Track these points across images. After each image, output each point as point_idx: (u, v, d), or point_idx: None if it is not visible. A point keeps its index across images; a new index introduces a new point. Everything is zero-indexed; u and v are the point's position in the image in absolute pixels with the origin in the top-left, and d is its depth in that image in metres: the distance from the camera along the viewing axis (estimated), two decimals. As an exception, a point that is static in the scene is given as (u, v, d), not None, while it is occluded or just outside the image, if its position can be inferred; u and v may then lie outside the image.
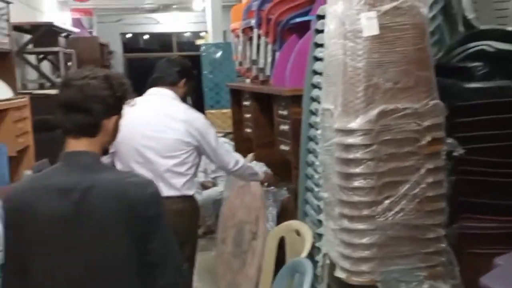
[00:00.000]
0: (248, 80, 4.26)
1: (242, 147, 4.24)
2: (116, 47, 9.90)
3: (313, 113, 2.30)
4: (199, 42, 9.36)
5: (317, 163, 2.24)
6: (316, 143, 2.27)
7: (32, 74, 6.40)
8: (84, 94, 1.33)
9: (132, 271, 1.33)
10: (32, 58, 6.23)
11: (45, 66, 6.62)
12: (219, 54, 8.08)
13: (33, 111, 4.68)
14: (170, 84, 2.43)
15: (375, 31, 1.63)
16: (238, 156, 2.61)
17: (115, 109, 1.39)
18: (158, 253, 1.34)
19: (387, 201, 1.67)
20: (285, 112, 2.63)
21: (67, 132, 1.37)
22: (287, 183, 3.31)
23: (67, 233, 1.32)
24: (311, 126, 2.33)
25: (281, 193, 2.90)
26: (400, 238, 1.70)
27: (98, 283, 1.33)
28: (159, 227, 1.34)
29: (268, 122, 3.33)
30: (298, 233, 2.30)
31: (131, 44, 11.00)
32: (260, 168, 3.00)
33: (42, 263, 1.34)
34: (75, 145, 1.36)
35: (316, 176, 2.23)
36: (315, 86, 2.27)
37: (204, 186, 5.15)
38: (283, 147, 2.70)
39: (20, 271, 1.35)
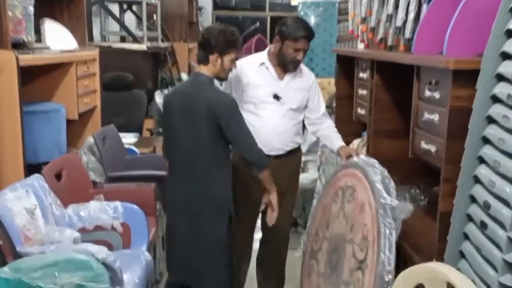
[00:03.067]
0: (360, 46, 3.36)
1: (346, 129, 3.38)
2: (206, 3, 9.26)
3: (499, 99, 1.41)
4: (294, 2, 8.44)
5: (499, 184, 1.37)
6: (500, 150, 1.39)
7: (114, 26, 5.92)
8: (204, 39, 2.20)
9: (213, 146, 2.19)
10: (115, 8, 5.71)
11: (130, 18, 6.10)
12: (318, 14, 7.13)
13: (108, 67, 4.14)
14: None
15: None
16: None
17: (217, 50, 2.16)
18: (232, 138, 2.18)
19: None
20: (436, 94, 1.75)
21: (197, 61, 2.27)
22: (414, 192, 2.45)
23: (182, 118, 2.21)
24: (491, 120, 1.44)
25: (403, 207, 2.01)
26: None
27: (196, 147, 2.20)
28: (229, 122, 2.15)
29: (393, 103, 2.46)
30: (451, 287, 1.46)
31: (222, 1, 10.32)
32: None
33: (172, 133, 2.29)
34: (198, 69, 2.25)
35: (496, 206, 1.36)
36: (510, 56, 1.37)
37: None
38: (427, 146, 1.83)
39: (166, 137, 2.40)
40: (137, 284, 2.06)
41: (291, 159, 2.65)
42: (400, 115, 2.42)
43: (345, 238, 2.14)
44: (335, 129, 2.69)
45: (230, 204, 2.32)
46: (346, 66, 3.24)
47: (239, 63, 2.55)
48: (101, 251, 1.76)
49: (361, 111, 2.74)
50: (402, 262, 2.03)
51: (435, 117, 1.76)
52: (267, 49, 2.56)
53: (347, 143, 3.30)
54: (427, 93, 1.82)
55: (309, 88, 2.58)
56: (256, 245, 2.87)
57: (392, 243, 1.89)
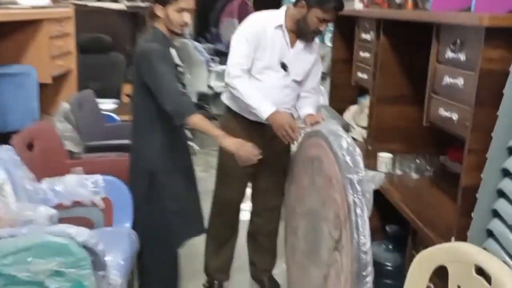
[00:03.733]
0: (358, 6, 3.13)
1: (342, 94, 3.20)
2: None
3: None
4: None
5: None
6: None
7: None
8: None
9: (142, 102, 2.12)
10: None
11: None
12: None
13: (84, 28, 3.82)
14: None
15: None
16: None
17: (158, 1, 2.09)
18: (152, 87, 2.05)
19: None
20: (462, 56, 1.56)
21: None
22: (420, 162, 2.29)
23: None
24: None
25: (373, 177, 1.82)
26: None
27: (133, 104, 2.22)
28: (149, 72, 2.03)
29: (399, 67, 2.26)
30: (482, 272, 1.30)
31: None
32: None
33: None
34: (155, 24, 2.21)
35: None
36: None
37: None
38: (446, 113, 1.64)
39: None
40: (123, 266, 1.86)
41: None
42: (406, 80, 2.23)
43: (320, 215, 1.96)
44: (315, 103, 2.42)
45: (154, 165, 2.13)
46: (344, 27, 3.03)
47: (260, 21, 2.25)
48: (82, 233, 1.55)
49: (362, 75, 2.53)
50: (415, 239, 1.87)
51: (459, 82, 1.57)
52: (283, 9, 2.27)
53: (343, 109, 3.13)
54: (450, 54, 1.62)
55: (315, 62, 2.34)
56: (246, 217, 2.70)
57: (365, 221, 1.69)
